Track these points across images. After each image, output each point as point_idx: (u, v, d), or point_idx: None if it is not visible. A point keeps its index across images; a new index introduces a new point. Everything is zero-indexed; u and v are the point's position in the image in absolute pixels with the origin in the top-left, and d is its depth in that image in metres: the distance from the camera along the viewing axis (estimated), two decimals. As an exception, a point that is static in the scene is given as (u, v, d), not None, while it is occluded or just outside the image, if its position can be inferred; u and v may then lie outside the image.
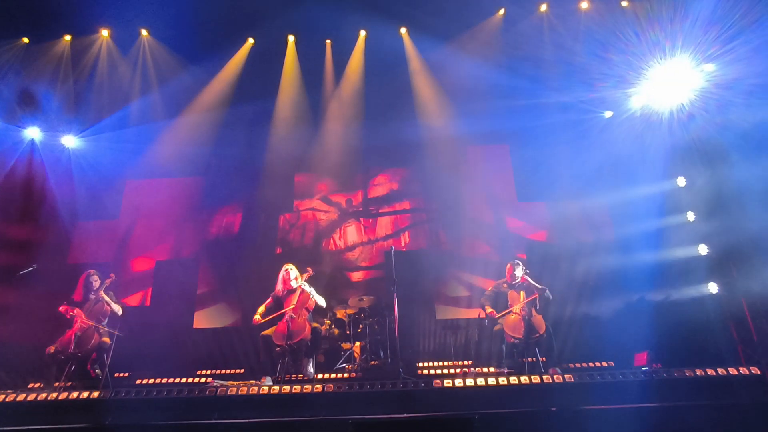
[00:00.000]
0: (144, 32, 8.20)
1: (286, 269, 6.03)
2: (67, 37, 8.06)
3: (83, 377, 5.99)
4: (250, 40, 8.48)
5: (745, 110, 5.91)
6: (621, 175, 7.98)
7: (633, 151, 7.74)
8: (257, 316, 5.80)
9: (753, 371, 4.84)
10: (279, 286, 6.00)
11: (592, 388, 4.73)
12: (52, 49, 8.02)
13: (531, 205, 8.93)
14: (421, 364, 7.32)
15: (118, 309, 6.17)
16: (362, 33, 8.47)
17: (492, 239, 8.73)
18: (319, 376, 6.41)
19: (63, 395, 4.94)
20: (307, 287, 5.94)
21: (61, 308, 5.91)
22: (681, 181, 7.06)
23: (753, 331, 5.72)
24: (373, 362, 7.01)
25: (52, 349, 5.74)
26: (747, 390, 4.67)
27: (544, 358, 5.83)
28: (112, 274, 6.27)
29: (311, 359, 5.94)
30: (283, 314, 5.76)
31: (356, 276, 8.79)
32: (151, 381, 7.03)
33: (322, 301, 6.03)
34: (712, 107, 6.41)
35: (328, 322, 7.35)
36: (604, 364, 6.94)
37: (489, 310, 6.14)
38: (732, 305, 6.11)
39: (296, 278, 6.00)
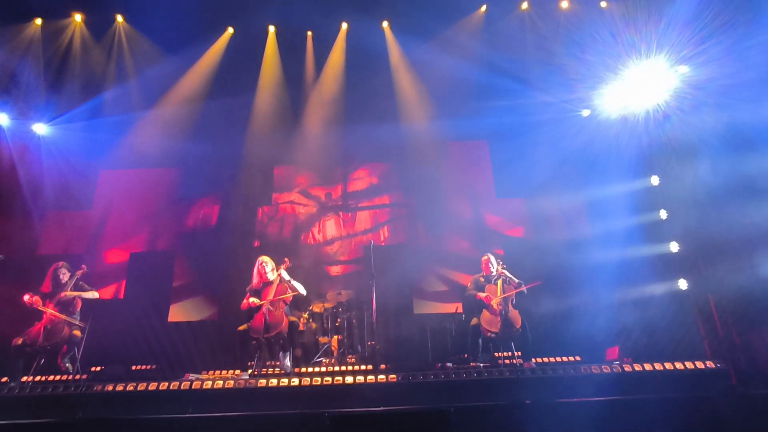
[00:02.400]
0: (119, 18, 7.99)
1: (261, 262, 5.98)
2: (38, 21, 7.80)
3: (53, 371, 5.85)
4: (230, 30, 8.35)
5: (717, 110, 6.08)
6: (597, 173, 8.12)
7: (609, 150, 7.88)
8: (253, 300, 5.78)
9: (718, 365, 5.03)
10: (255, 280, 5.96)
11: (566, 381, 4.83)
12: (22, 33, 7.73)
13: (509, 202, 9.03)
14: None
15: (92, 294, 6.06)
16: (344, 25, 8.41)
17: (470, 235, 8.79)
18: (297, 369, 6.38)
19: (31, 389, 4.82)
20: (285, 276, 5.90)
21: (24, 298, 5.75)
22: (655, 180, 7.24)
23: (719, 327, 5.91)
24: (350, 357, 7.01)
25: (19, 341, 5.59)
26: (712, 383, 4.86)
27: (519, 353, 5.91)
28: (83, 266, 6.15)
29: (288, 353, 5.91)
30: (260, 306, 5.72)
31: (335, 270, 8.76)
32: (124, 375, 6.89)
33: (301, 289, 5.99)
34: (686, 107, 6.58)
35: (306, 315, 7.32)
36: (577, 358, 7.10)
37: (484, 295, 6.09)
38: (700, 301, 6.30)
39: (272, 270, 5.96)
